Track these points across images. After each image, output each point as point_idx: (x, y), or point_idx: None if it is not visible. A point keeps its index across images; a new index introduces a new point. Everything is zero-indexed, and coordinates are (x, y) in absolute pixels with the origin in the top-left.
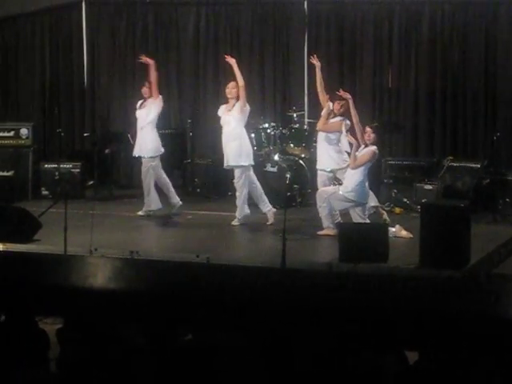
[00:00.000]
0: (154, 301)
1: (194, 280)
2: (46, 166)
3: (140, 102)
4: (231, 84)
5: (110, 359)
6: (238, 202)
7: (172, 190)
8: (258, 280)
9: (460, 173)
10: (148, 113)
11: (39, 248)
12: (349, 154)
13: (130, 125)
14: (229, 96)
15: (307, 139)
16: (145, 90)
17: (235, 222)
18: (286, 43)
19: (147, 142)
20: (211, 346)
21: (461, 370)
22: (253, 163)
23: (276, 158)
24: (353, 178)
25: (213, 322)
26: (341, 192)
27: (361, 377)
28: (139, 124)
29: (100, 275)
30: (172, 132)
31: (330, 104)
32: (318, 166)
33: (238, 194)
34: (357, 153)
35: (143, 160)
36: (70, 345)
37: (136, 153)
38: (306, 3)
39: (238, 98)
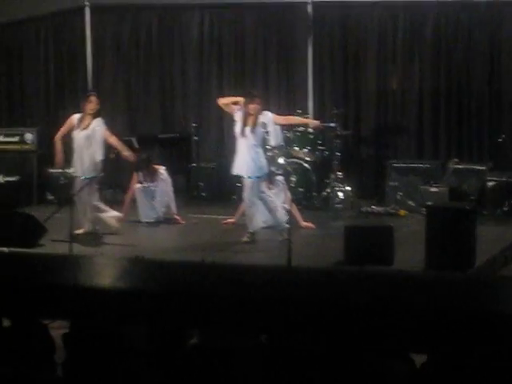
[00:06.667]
0: (161, 301)
1: (201, 280)
2: (51, 170)
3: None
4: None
5: (115, 363)
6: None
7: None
8: (264, 279)
9: (465, 175)
10: None
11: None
12: None
13: (135, 129)
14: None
15: (312, 142)
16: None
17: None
18: (291, 46)
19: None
20: (218, 348)
21: (469, 371)
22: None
23: (281, 161)
24: None
25: (220, 323)
26: None
27: (366, 380)
28: None
29: (108, 275)
30: (176, 136)
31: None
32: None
33: None
34: None
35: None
36: (76, 348)
37: None
38: (310, 6)
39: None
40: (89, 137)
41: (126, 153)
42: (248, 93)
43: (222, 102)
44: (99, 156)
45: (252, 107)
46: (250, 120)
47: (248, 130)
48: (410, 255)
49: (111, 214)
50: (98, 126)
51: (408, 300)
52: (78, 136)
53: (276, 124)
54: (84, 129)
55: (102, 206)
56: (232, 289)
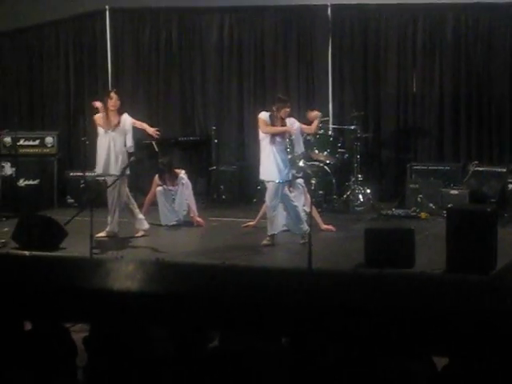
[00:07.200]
0: (182, 304)
1: (222, 283)
2: (72, 174)
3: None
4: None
5: (136, 366)
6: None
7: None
8: (285, 282)
9: (486, 177)
10: None
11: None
12: None
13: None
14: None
15: (332, 145)
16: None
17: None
18: (310, 49)
19: None
20: (239, 351)
21: (491, 375)
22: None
23: (301, 164)
24: None
25: (240, 326)
26: None
27: (388, 383)
28: None
29: (129, 278)
30: (197, 139)
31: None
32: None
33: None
34: None
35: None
36: (98, 352)
37: None
38: (329, 9)
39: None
40: (121, 134)
41: (150, 129)
42: (280, 98)
43: (269, 130)
44: (130, 149)
45: (285, 112)
46: (280, 124)
47: (280, 134)
48: (430, 258)
49: (141, 218)
50: (125, 121)
51: (429, 303)
52: (111, 135)
53: (302, 133)
54: (116, 126)
55: (136, 209)
56: (252, 291)
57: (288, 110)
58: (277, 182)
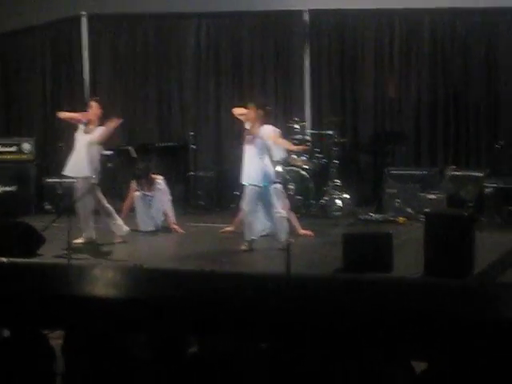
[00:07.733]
0: (160, 310)
1: (200, 288)
2: (49, 180)
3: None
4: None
5: (115, 373)
6: None
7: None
8: (263, 287)
9: (463, 182)
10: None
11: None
12: None
13: (132, 138)
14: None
15: (309, 150)
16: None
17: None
18: (287, 54)
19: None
20: (217, 356)
21: (469, 379)
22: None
23: (279, 169)
24: None
25: (219, 331)
26: None
27: None
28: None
29: (107, 284)
30: (174, 145)
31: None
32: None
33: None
34: None
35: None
36: (75, 358)
37: None
38: (306, 14)
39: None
40: (92, 141)
41: (112, 123)
42: None
43: (237, 112)
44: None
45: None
46: (253, 128)
47: (250, 138)
48: (408, 262)
49: (119, 223)
50: (99, 131)
51: (407, 307)
52: (86, 138)
53: (268, 140)
54: (87, 133)
55: (113, 211)
56: (231, 297)
57: (247, 111)
58: (247, 184)
